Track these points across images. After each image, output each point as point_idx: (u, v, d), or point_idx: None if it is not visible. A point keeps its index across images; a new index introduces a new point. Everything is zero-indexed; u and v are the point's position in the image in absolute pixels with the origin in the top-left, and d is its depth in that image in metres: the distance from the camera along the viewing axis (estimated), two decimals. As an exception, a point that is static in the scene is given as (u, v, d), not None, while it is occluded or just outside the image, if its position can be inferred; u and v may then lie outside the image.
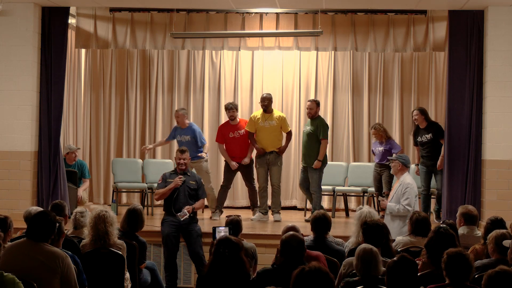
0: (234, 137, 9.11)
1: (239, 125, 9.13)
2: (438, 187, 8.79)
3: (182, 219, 7.19)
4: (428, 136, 8.74)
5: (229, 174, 9.16)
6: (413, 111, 9.09)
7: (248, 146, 9.11)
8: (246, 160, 9.03)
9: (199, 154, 9.07)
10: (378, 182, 9.07)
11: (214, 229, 5.88)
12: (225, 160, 9.31)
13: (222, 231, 5.72)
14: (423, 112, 8.88)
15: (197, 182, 7.45)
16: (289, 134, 9.07)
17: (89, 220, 5.37)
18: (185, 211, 7.18)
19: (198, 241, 7.26)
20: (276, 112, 9.09)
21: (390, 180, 8.75)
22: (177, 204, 7.30)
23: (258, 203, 9.08)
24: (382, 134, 9.09)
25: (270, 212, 9.09)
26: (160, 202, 7.82)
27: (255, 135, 8.97)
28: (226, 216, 5.44)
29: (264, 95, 9.10)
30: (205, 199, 8.07)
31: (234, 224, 5.50)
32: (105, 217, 5.21)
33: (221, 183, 9.27)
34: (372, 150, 9.39)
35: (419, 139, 8.86)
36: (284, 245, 4.61)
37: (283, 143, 9.05)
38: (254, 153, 9.18)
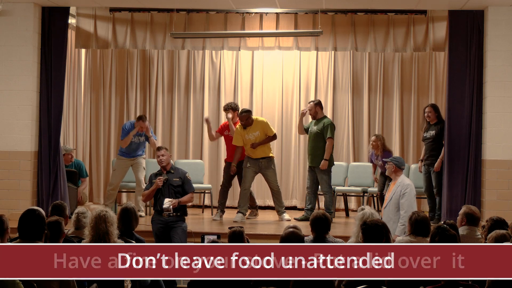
0: (228, 136, 9.14)
1: (235, 125, 9.07)
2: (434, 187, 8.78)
3: (167, 213, 7.14)
4: (432, 132, 8.72)
5: (228, 173, 9.15)
6: (425, 107, 8.97)
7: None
8: (233, 168, 8.90)
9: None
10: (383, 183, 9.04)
11: (202, 236, 5.97)
12: (225, 160, 9.32)
13: (211, 239, 5.77)
14: (436, 108, 8.83)
15: (182, 178, 7.37)
16: (272, 136, 8.90)
17: (90, 220, 5.37)
18: (168, 205, 7.11)
19: (180, 236, 7.16)
20: (257, 119, 8.88)
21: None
22: (161, 203, 7.27)
23: (238, 203, 8.98)
24: (379, 146, 8.88)
25: (260, 213, 9.06)
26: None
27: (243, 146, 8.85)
28: (228, 228, 5.42)
29: (240, 115, 8.79)
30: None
31: (236, 236, 5.48)
32: (106, 217, 5.21)
33: (221, 183, 9.27)
34: (371, 160, 9.25)
35: (424, 134, 8.85)
36: (284, 242, 4.68)
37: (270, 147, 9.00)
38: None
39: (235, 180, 9.33)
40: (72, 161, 9.43)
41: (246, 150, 8.85)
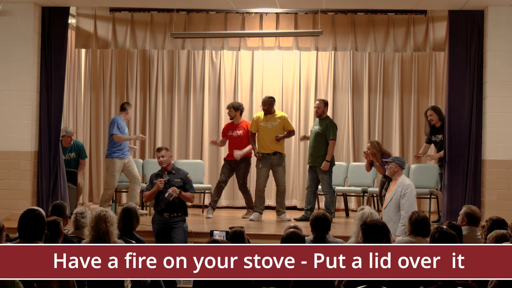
0: (231, 136, 9.23)
1: (239, 125, 9.19)
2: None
3: (170, 199, 7.10)
4: (440, 136, 8.71)
5: (226, 172, 9.19)
6: (427, 110, 8.93)
7: (245, 147, 9.11)
8: (237, 153, 8.98)
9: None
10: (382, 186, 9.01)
11: (211, 232, 6.00)
12: (224, 158, 9.37)
13: (217, 235, 5.78)
14: (437, 111, 8.80)
15: (183, 179, 7.33)
16: (292, 131, 9.07)
17: (90, 220, 5.37)
18: (170, 192, 7.09)
19: (181, 235, 7.13)
20: (279, 112, 9.10)
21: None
22: (162, 204, 7.24)
23: (254, 203, 9.06)
24: (375, 152, 8.47)
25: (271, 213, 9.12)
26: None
27: (257, 135, 8.99)
28: (229, 228, 5.43)
29: (264, 98, 9.08)
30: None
31: (237, 236, 5.49)
32: (106, 217, 5.21)
33: (217, 180, 9.30)
34: (371, 162, 8.76)
35: (433, 138, 8.83)
36: (285, 242, 4.67)
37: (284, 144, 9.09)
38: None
39: (235, 181, 9.36)
40: (71, 144, 9.39)
41: (259, 142, 8.92)
